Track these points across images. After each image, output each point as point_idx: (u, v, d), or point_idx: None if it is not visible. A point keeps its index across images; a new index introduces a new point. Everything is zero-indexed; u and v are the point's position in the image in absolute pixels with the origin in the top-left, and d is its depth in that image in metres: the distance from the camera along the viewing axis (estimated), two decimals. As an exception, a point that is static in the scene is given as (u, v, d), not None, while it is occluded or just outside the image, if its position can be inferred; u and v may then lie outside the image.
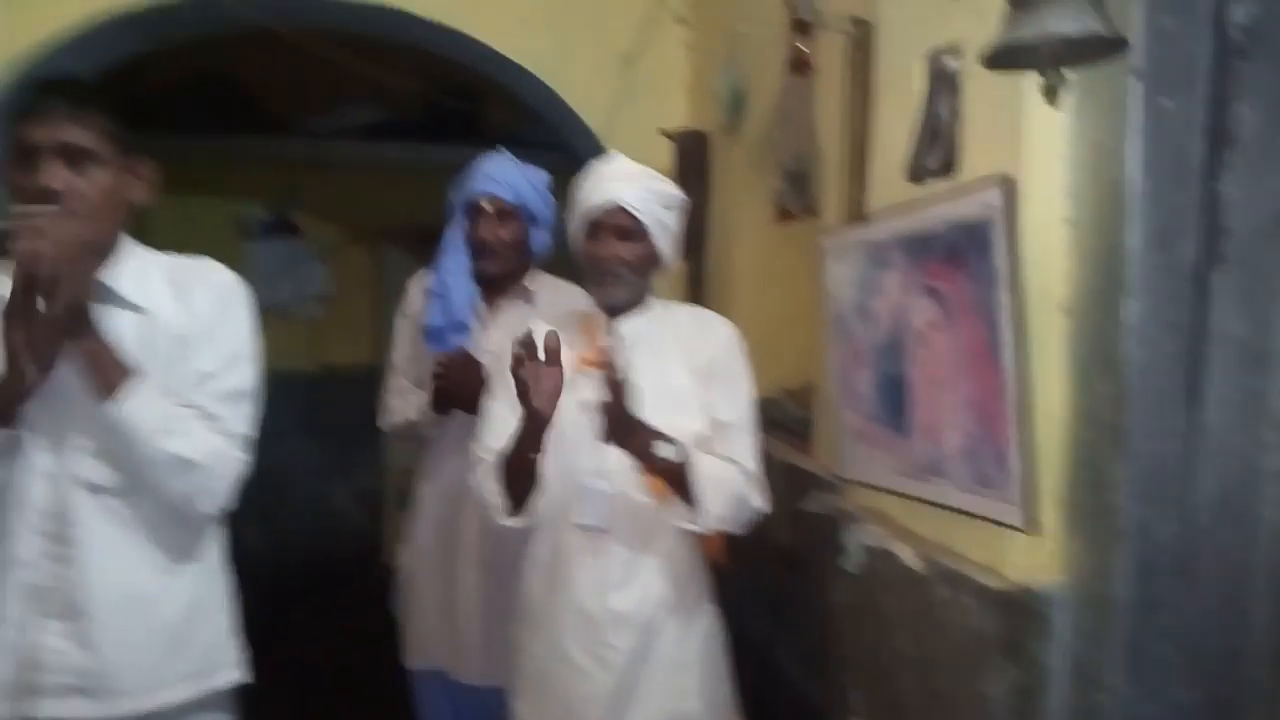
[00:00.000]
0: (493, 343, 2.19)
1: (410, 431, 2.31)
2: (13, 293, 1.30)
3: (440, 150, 4.36)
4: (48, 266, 1.28)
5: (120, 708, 1.44)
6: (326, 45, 3.26)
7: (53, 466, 1.43)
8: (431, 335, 2.24)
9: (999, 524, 1.43)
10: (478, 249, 2.24)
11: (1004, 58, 1.23)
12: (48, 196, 1.37)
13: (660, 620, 1.74)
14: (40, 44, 2.80)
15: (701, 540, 1.81)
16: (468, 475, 1.83)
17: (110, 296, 1.46)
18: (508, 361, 1.60)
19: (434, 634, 2.29)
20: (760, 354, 1.86)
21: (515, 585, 1.88)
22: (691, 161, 3.00)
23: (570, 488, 1.73)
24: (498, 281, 2.28)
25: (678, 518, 1.70)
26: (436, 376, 2.17)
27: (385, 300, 4.78)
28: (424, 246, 2.61)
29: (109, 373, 1.39)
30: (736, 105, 2.69)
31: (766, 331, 2.24)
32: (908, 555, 1.65)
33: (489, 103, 4.59)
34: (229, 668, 1.59)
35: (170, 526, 1.50)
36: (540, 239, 2.31)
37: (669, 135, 3.08)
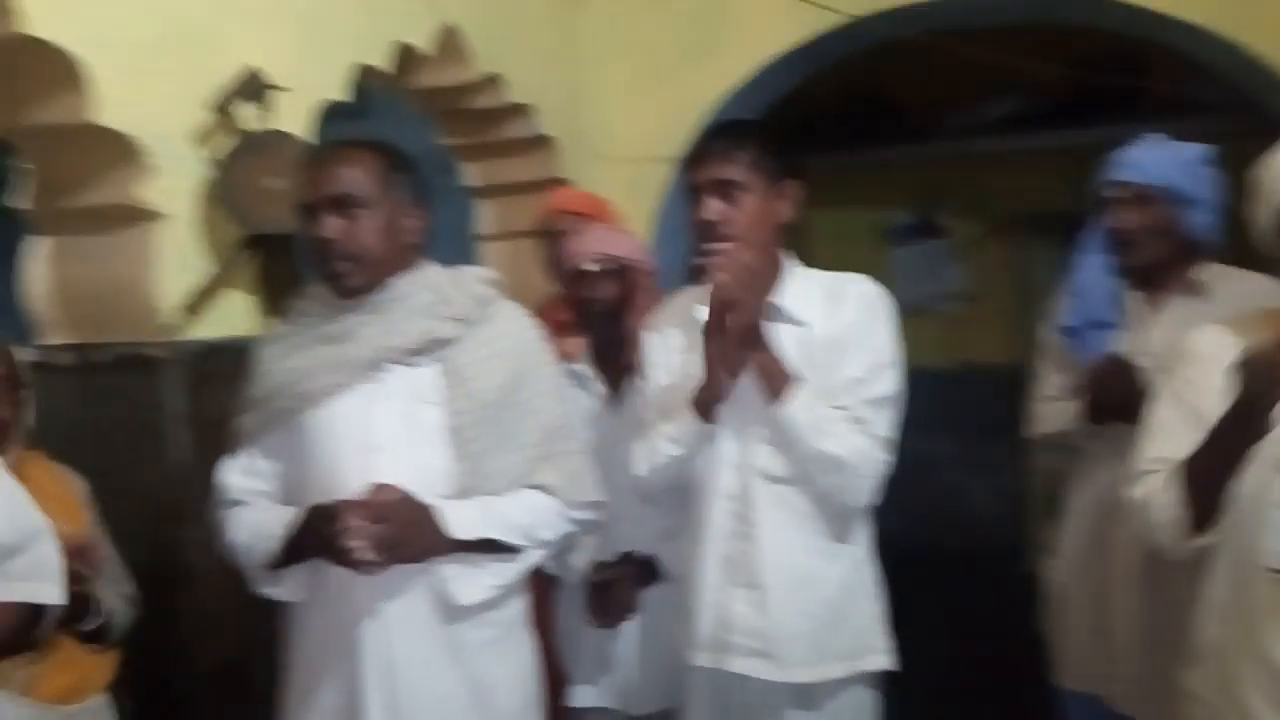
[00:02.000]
0: (1154, 344, 1.98)
1: (1061, 441, 2.20)
2: (709, 314, 1.59)
3: (1091, 133, 4.05)
4: (731, 292, 1.54)
5: (790, 675, 1.64)
6: (965, 44, 3.26)
7: (738, 457, 1.68)
8: (1069, 337, 2.10)
9: None
10: (1114, 240, 2.05)
11: None
12: (708, 228, 1.63)
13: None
14: (724, 93, 3.29)
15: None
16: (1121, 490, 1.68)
17: (777, 314, 1.67)
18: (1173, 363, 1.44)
19: (1087, 657, 2.15)
20: None
21: (1183, 619, 1.67)
22: None
23: (1254, 514, 1.48)
24: (1152, 275, 2.05)
25: None
26: (1088, 386, 2.03)
27: (1025, 295, 4.61)
28: (1069, 237, 2.45)
29: (776, 380, 1.61)
30: None
31: None
32: None
33: (1150, 72, 4.13)
34: (878, 653, 1.70)
35: (828, 514, 1.67)
36: (1200, 223, 2.01)
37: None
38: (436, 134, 3.21)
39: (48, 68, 1.88)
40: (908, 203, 5.43)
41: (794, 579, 1.65)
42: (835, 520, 1.68)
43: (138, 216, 2.04)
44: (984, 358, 5.19)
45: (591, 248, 2.06)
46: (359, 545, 1.40)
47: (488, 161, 3.23)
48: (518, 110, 3.05)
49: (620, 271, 2.04)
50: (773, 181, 1.67)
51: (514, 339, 1.63)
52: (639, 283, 2.07)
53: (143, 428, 2.07)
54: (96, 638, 1.73)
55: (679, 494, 1.77)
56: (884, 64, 4.03)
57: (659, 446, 1.71)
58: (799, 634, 1.64)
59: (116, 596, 1.80)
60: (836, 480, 1.63)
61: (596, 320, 2.07)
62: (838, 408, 1.63)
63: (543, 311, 2.16)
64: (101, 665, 1.77)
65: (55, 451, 1.89)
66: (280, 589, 1.57)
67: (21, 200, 2.14)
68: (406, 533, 1.44)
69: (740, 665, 1.65)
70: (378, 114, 3.25)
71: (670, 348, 1.79)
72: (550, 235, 2.43)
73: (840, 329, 1.67)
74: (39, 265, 2.17)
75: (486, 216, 3.31)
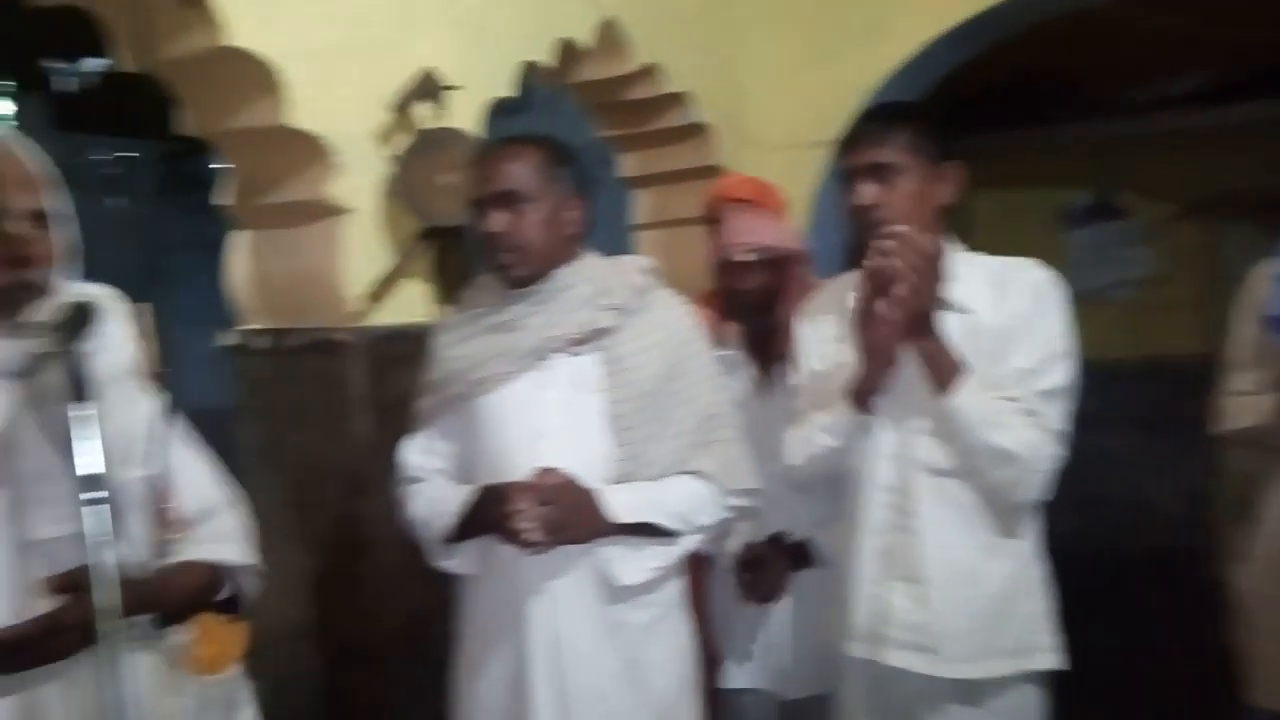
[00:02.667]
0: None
1: (1255, 439, 2.03)
2: (861, 300, 1.57)
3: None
4: (905, 277, 1.49)
5: (951, 670, 1.61)
6: (1151, 12, 3.05)
7: (896, 448, 1.65)
8: (1270, 327, 1.94)
9: None
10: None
11: None
12: (862, 214, 1.60)
13: None
14: (885, 74, 3.20)
15: None
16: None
17: (942, 301, 1.63)
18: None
19: (1280, 672, 1.99)
20: None
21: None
22: None
23: None
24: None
25: None
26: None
27: (1220, 281, 4.27)
28: (1271, 217, 2.26)
29: (943, 369, 1.56)
30: None
31: None
32: None
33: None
34: (1046, 651, 1.64)
35: (993, 509, 1.62)
36: None
37: None
38: (594, 126, 3.28)
39: (248, 76, 2.05)
40: (1084, 183, 5.12)
41: (956, 574, 1.61)
42: (1001, 515, 1.62)
43: (327, 211, 2.20)
44: (1171, 349, 4.84)
45: (742, 238, 2.05)
46: (528, 527, 1.47)
47: (644, 151, 3.27)
48: (675, 99, 3.07)
49: (772, 261, 2.04)
50: (931, 164, 1.62)
51: (671, 328, 1.67)
52: (792, 272, 2.06)
53: (329, 406, 2.23)
54: (230, 608, 1.85)
55: (833, 483, 1.75)
56: (1054, 39, 3.82)
57: (813, 437, 1.70)
58: (961, 630, 1.60)
59: (247, 569, 1.92)
60: (1006, 474, 1.57)
61: (748, 309, 2.07)
62: (1007, 399, 1.57)
63: (702, 298, 2.18)
64: (238, 635, 1.89)
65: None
66: (454, 562, 1.66)
67: (224, 198, 2.35)
68: (571, 515, 1.50)
69: (898, 659, 1.63)
70: (540, 109, 3.35)
71: (823, 336, 1.78)
72: (715, 223, 2.44)
73: (1009, 318, 1.61)
74: (239, 257, 2.36)
75: (642, 206, 3.36)
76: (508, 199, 1.59)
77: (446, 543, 1.64)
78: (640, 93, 3.04)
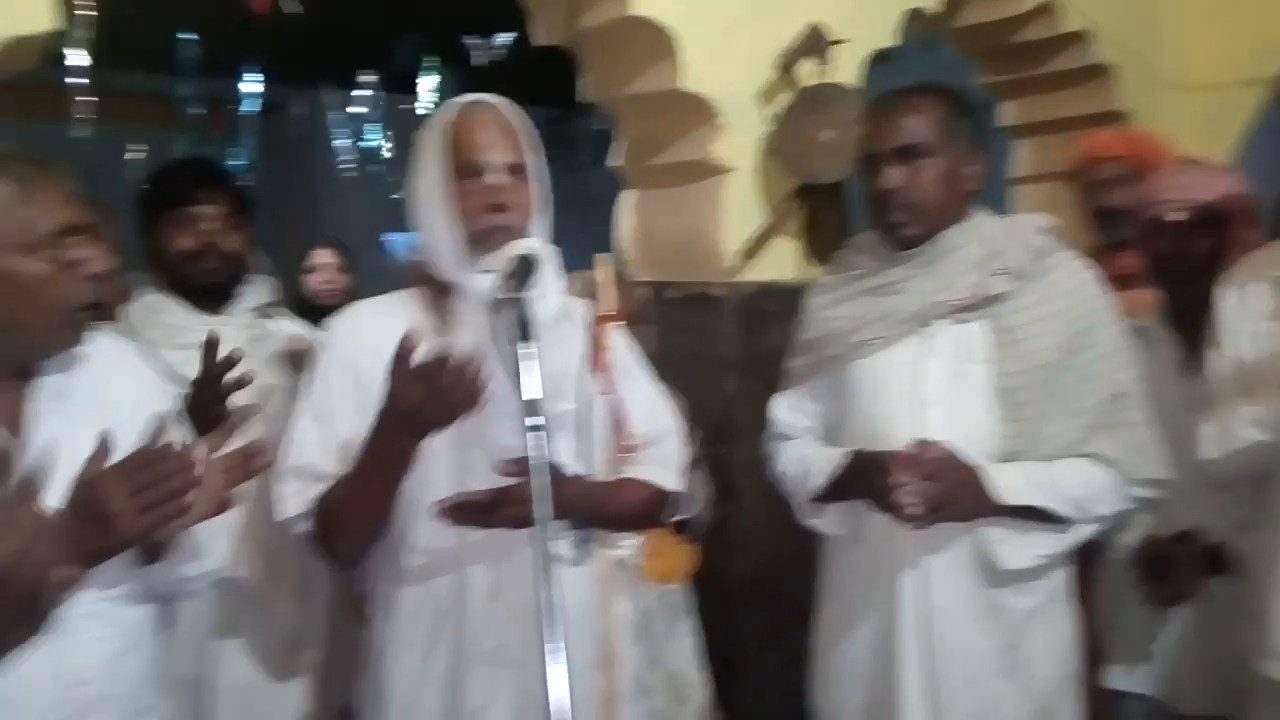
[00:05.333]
0: None
1: None
2: None
3: None
4: None
5: None
6: None
7: None
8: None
9: None
10: None
11: None
12: None
13: None
14: None
15: None
16: None
17: None
18: None
19: None
20: None
21: None
22: None
23: None
24: None
25: None
26: None
27: None
28: None
29: None
30: None
31: None
32: None
33: None
34: None
35: None
36: None
37: None
38: (976, 73, 3.08)
39: (647, 43, 2.17)
40: None
41: None
42: None
43: (710, 171, 2.29)
44: None
45: (1178, 194, 1.82)
46: (911, 501, 1.44)
47: (1031, 98, 3.02)
48: (1072, 39, 2.80)
49: (1210, 221, 1.78)
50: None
51: (1073, 295, 1.53)
52: (1236, 236, 1.78)
53: (702, 357, 2.35)
54: (684, 529, 2.00)
55: (1258, 483, 1.54)
56: None
57: (1236, 429, 1.51)
58: None
59: (700, 498, 2.05)
60: None
61: (1177, 277, 1.84)
62: None
63: (1102, 261, 1.98)
64: (688, 553, 2.06)
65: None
66: (821, 521, 1.67)
67: (616, 159, 2.51)
68: (955, 492, 1.44)
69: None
70: (916, 57, 3.20)
71: (1253, 311, 1.56)
72: (1084, 182, 2.21)
73: None
74: (627, 215, 2.53)
75: (1024, 157, 3.12)
76: (905, 154, 1.52)
77: (815, 503, 1.66)
78: (1033, 34, 2.81)
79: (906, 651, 1.52)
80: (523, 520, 1.19)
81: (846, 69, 2.28)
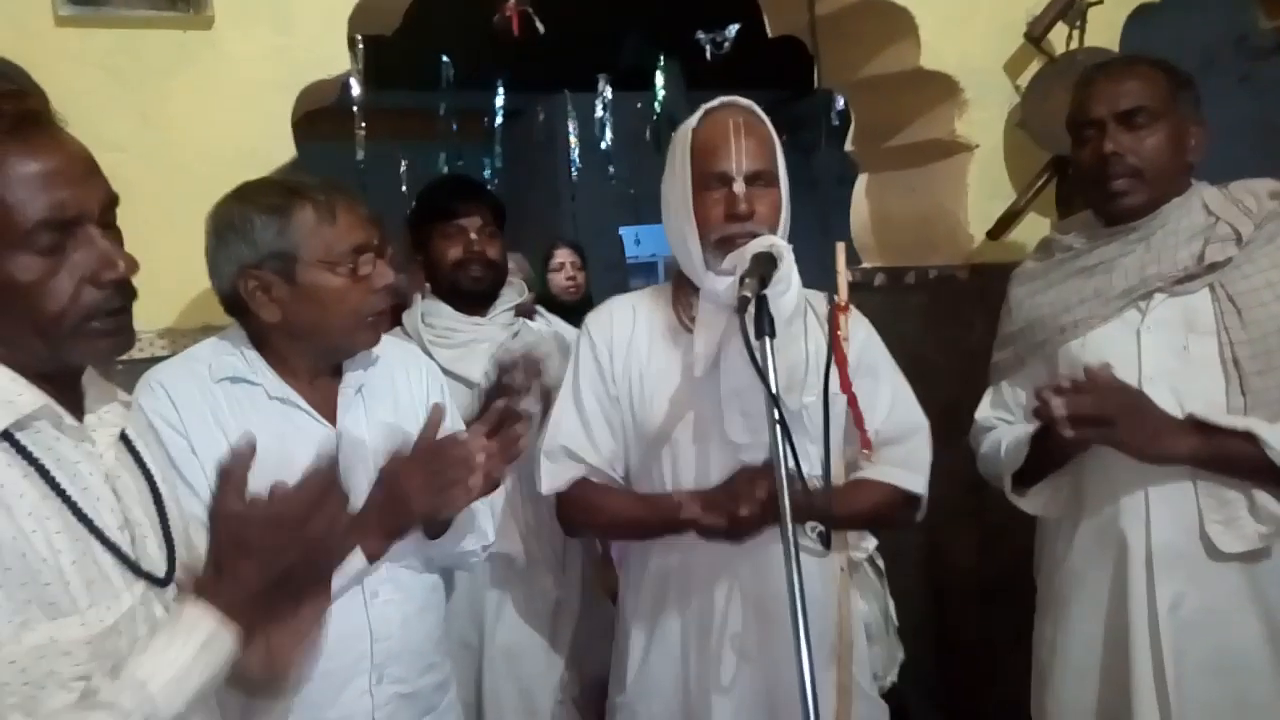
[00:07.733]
0: None
1: None
2: None
3: None
4: None
5: None
6: None
7: None
8: None
9: None
10: None
11: None
12: None
13: None
14: None
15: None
16: None
17: None
18: None
19: None
20: None
21: None
22: None
23: None
24: None
25: None
26: None
27: None
28: None
29: None
30: None
31: None
32: None
33: None
34: None
35: None
36: None
37: None
38: (1257, 15, 2.75)
39: (885, 24, 2.11)
40: None
41: None
42: None
43: (952, 149, 2.19)
44: None
45: None
46: (1060, 414, 1.36)
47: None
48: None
49: None
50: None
51: None
52: None
53: (941, 346, 2.24)
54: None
55: None
56: None
57: None
58: None
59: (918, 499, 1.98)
60: None
61: None
62: None
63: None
64: None
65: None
66: (1028, 502, 1.59)
67: (850, 144, 2.46)
68: (1113, 411, 1.36)
69: None
70: (1176, 9, 2.89)
71: None
72: None
73: None
74: (859, 199, 2.47)
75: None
76: (1130, 117, 1.46)
77: (1020, 485, 1.57)
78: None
79: (1137, 646, 1.44)
80: (758, 523, 1.26)
81: (1103, 31, 2.10)
